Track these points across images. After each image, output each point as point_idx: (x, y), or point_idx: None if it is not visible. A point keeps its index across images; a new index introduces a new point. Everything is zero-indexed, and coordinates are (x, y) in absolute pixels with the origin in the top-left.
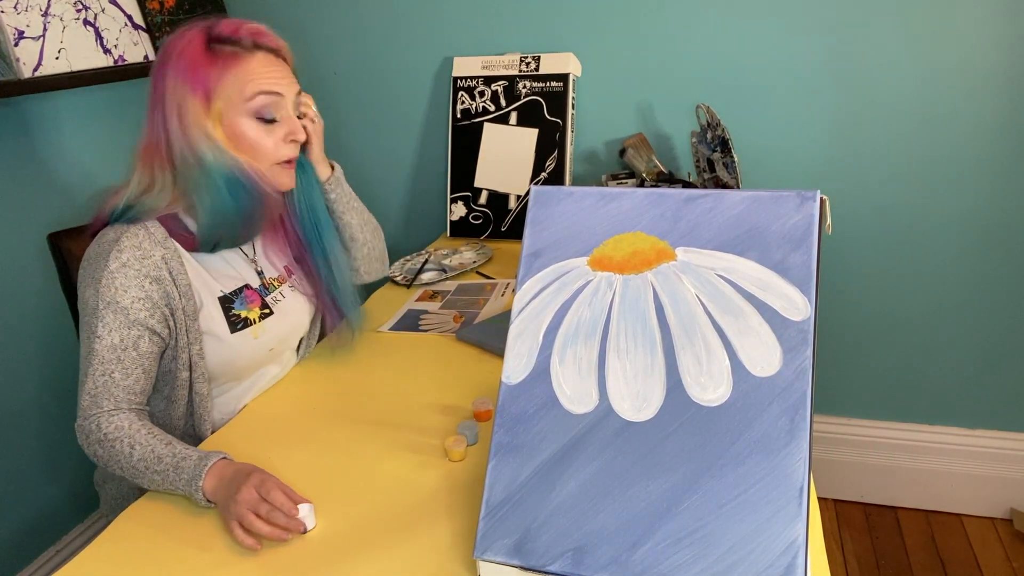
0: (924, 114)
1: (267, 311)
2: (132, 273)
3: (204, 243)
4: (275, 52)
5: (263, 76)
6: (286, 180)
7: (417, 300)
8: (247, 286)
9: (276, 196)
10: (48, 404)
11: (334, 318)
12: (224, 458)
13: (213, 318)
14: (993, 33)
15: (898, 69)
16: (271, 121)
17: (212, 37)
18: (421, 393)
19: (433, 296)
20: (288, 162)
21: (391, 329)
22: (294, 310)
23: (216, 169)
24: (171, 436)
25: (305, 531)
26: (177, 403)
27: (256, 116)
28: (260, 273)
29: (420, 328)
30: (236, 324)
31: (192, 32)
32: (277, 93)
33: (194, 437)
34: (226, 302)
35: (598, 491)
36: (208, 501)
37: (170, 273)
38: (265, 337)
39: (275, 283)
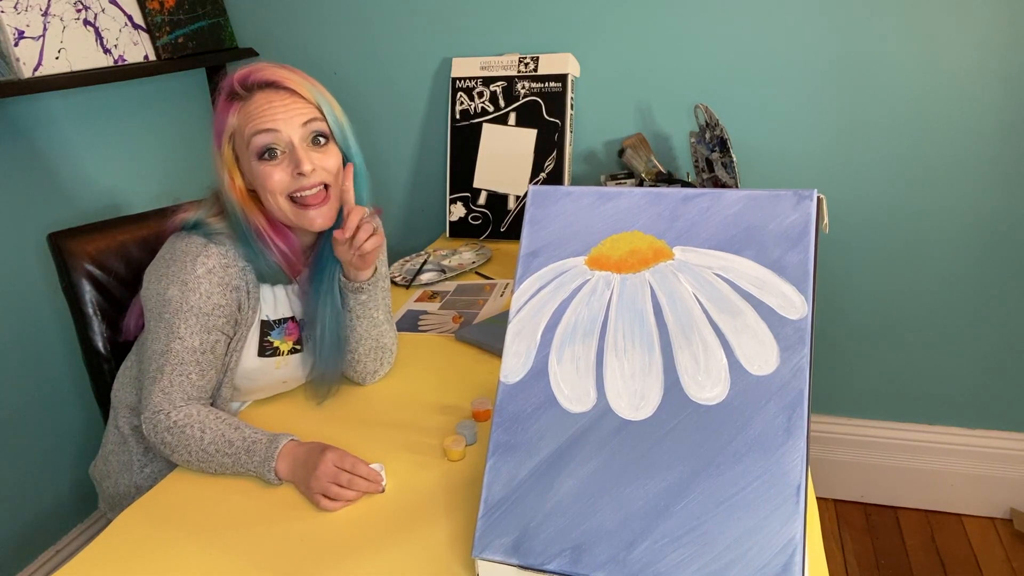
0: (923, 114)
1: (298, 348)
2: (216, 280)
3: (258, 276)
4: (272, 85)
5: (257, 115)
6: (316, 220)
7: (416, 300)
8: (292, 319)
9: (283, 248)
10: (48, 404)
11: (315, 369)
12: (292, 439)
13: (250, 337)
14: (993, 35)
15: (897, 69)
16: (273, 157)
17: (228, 90)
18: (420, 393)
19: (432, 296)
20: (317, 198)
21: None
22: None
23: (236, 214)
24: (237, 419)
25: (383, 490)
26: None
27: (258, 157)
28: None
29: (419, 328)
30: (266, 350)
31: (222, 87)
32: (270, 130)
33: None
34: (266, 327)
35: (596, 490)
36: (279, 480)
37: (246, 283)
38: (284, 370)
39: None
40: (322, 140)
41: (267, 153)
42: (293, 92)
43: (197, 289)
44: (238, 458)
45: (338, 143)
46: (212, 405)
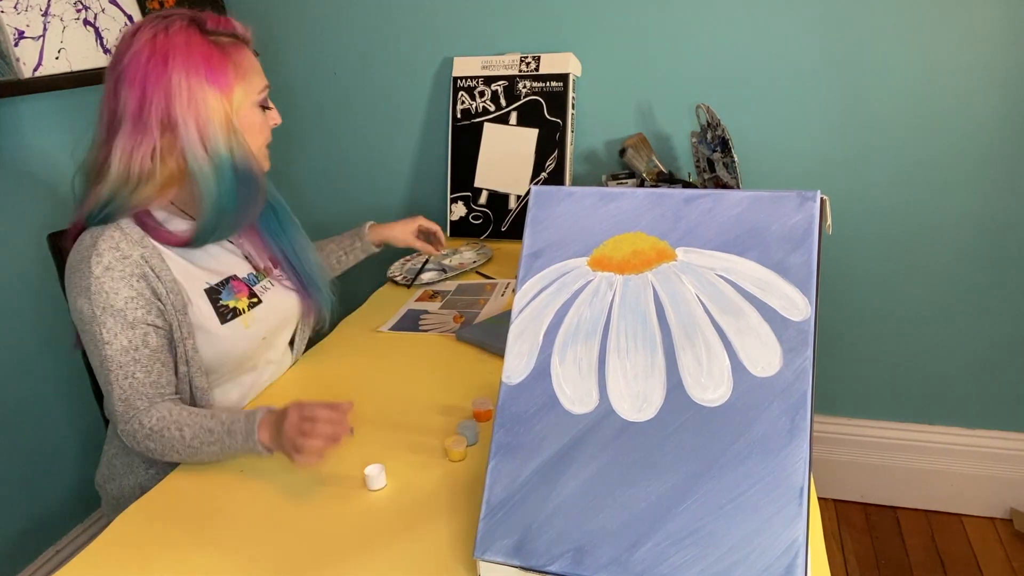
0: (924, 114)
1: (255, 300)
2: (117, 275)
3: (200, 236)
4: (248, 43)
5: (259, 70)
6: (266, 163)
7: (417, 300)
8: (234, 277)
9: (265, 184)
10: (48, 404)
11: (310, 307)
12: (268, 410)
13: (202, 311)
14: (993, 33)
15: (899, 69)
16: (267, 108)
17: (206, 30)
18: (421, 393)
19: (433, 296)
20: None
21: (391, 329)
22: (282, 300)
23: (229, 159)
24: (209, 410)
25: (351, 432)
26: (181, 397)
27: (260, 105)
28: (248, 258)
29: (420, 328)
30: (225, 315)
31: (183, 26)
32: (268, 85)
33: None
34: (213, 294)
35: (598, 491)
36: (268, 451)
37: (152, 270)
38: (256, 327)
39: (263, 274)
40: None
41: (267, 102)
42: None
43: (101, 290)
44: (223, 442)
45: None
46: (193, 400)
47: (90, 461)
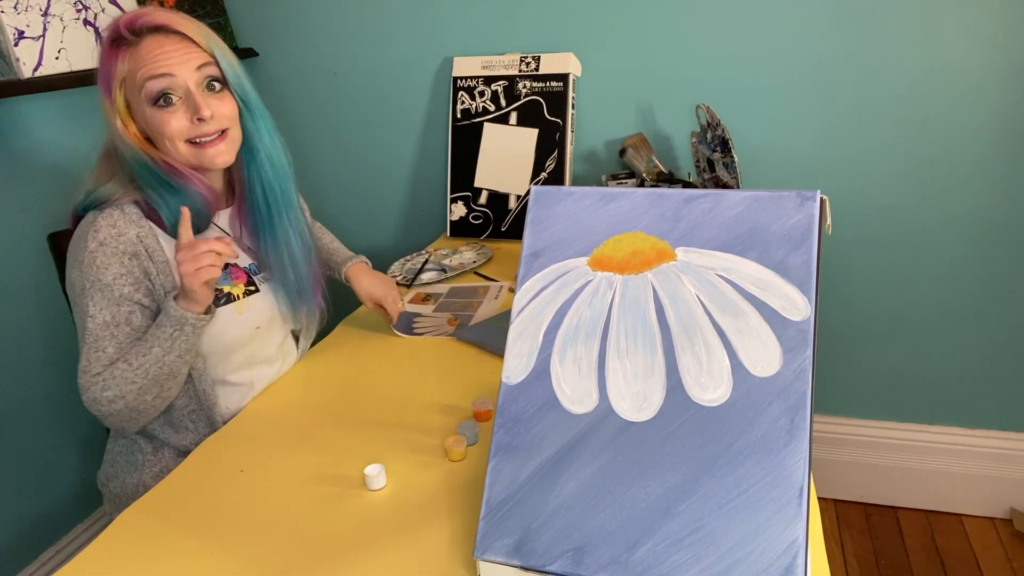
0: (924, 114)
1: (253, 288)
2: (110, 251)
3: (170, 227)
4: (161, 29)
5: (150, 60)
6: (216, 158)
7: (410, 302)
8: (234, 264)
9: (202, 179)
10: (49, 403)
11: (296, 310)
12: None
13: None
14: (992, 32)
15: (898, 69)
16: (169, 104)
17: (113, 35)
18: (421, 393)
19: (426, 299)
20: (215, 139)
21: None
22: (279, 292)
23: (141, 156)
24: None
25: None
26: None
27: (153, 103)
28: (249, 251)
29: (414, 332)
30: (219, 299)
31: (107, 37)
32: (164, 75)
33: (201, 411)
34: None
35: (598, 491)
36: (189, 311)
37: (146, 250)
38: (249, 314)
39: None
40: (216, 86)
41: (162, 99)
42: (184, 37)
43: (93, 264)
44: (156, 338)
45: (234, 90)
46: (191, 381)
47: (91, 460)
